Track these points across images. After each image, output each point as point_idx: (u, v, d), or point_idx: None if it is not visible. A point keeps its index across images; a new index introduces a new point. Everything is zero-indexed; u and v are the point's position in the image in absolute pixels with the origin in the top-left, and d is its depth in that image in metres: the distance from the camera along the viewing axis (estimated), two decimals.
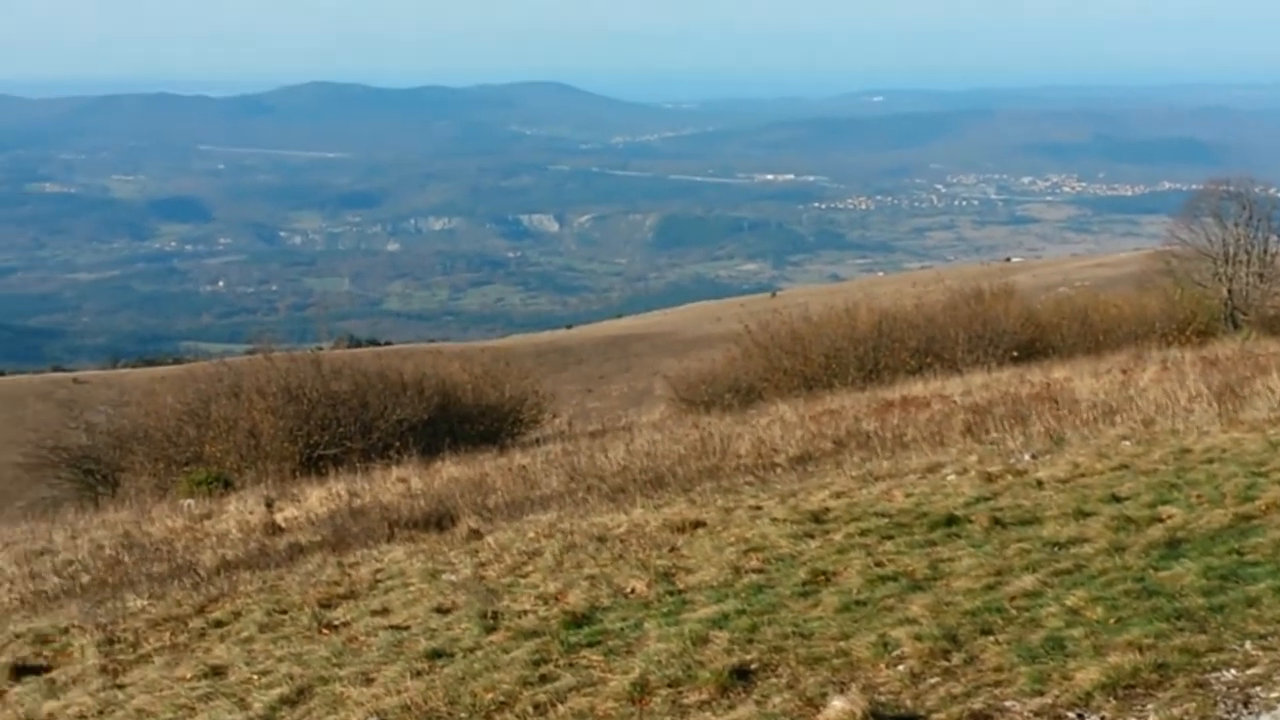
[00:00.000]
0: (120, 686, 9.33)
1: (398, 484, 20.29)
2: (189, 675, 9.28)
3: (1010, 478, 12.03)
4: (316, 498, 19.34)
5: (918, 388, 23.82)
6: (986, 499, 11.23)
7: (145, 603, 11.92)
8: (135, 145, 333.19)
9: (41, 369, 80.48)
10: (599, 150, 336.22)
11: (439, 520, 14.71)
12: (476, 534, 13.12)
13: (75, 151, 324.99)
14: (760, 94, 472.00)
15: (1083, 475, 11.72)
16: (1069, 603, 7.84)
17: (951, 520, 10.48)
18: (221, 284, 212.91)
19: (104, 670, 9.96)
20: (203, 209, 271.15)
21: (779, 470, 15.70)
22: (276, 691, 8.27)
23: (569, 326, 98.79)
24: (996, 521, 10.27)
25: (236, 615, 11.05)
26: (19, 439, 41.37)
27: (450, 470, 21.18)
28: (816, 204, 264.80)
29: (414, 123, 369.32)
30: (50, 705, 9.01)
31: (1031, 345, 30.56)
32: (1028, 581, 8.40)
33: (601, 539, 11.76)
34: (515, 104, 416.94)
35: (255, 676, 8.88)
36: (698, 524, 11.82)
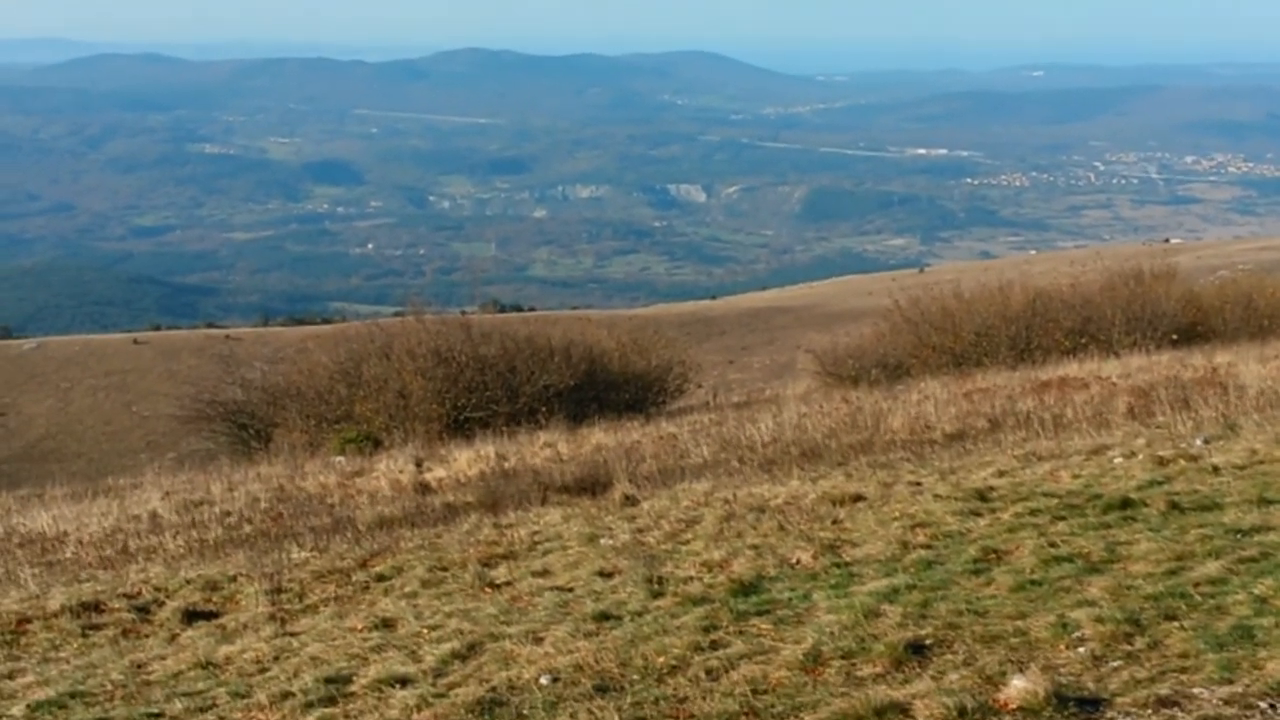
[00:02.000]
0: (291, 634, 9.47)
1: (545, 449, 20.41)
2: (359, 626, 9.38)
3: (1183, 462, 11.68)
4: (465, 459, 19.52)
5: (1073, 368, 23.31)
6: (1160, 483, 10.91)
7: (308, 554, 12.11)
8: (293, 108, 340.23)
9: (196, 325, 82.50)
10: (750, 121, 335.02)
11: (591, 486, 14.75)
12: (631, 500, 13.11)
13: (235, 113, 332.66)
14: (917, 66, 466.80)
15: (1261, 462, 11.33)
16: (1257, 591, 7.56)
17: (1126, 503, 10.20)
18: (370, 246, 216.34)
19: (273, 618, 10.12)
20: (355, 172, 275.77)
21: (934, 447, 15.49)
22: (447, 646, 8.30)
23: (713, 297, 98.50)
24: (1174, 506, 9.97)
25: (399, 570, 11.17)
26: (174, 392, 42.53)
27: (598, 437, 21.26)
28: (969, 180, 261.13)
29: (566, 90, 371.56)
30: (224, 650, 9.17)
31: (1192, 329, 29.73)
32: (1211, 568, 8.12)
33: (760, 509, 11.68)
34: (668, 73, 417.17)
35: (425, 630, 8.94)
36: (857, 497, 11.68)
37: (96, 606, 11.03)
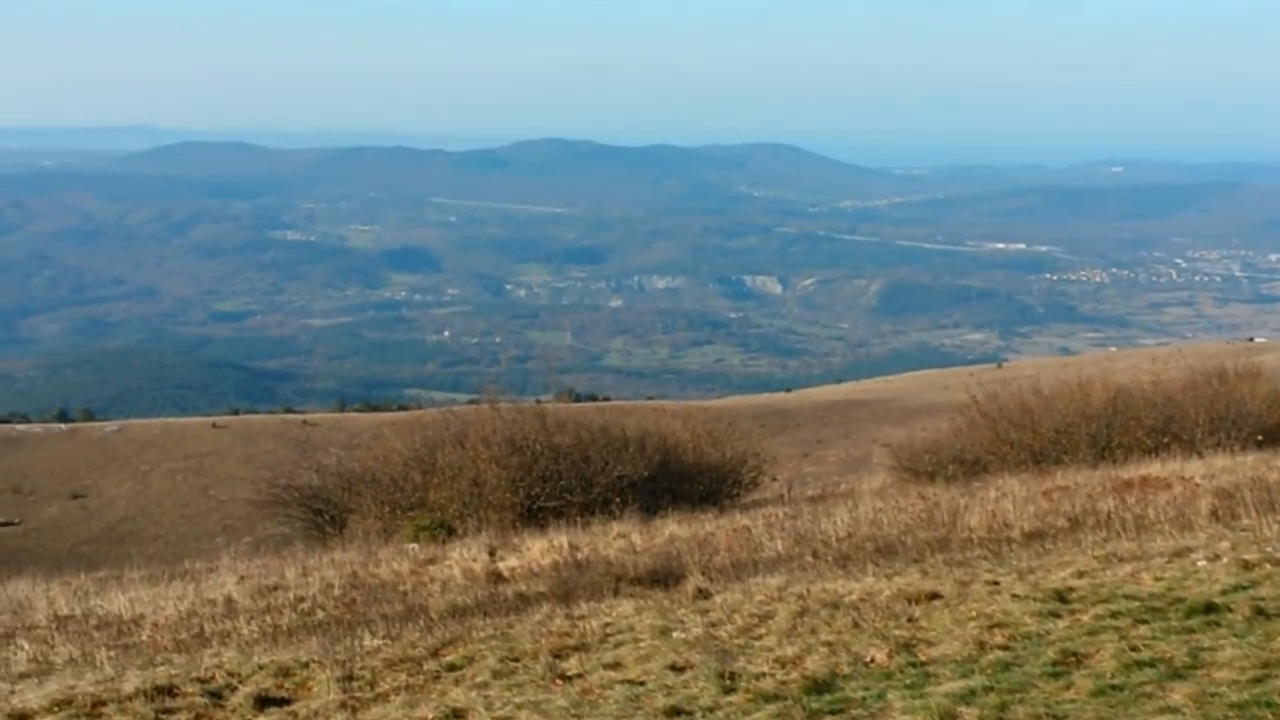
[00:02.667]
0: None
1: (618, 539, 20.34)
2: (430, 716, 9.36)
3: (1269, 566, 11.46)
4: (538, 549, 19.49)
5: (1155, 468, 22.95)
6: (1245, 588, 10.71)
7: (380, 642, 12.11)
8: (373, 196, 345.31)
9: (274, 410, 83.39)
10: (826, 214, 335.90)
11: (664, 578, 14.68)
12: (704, 593, 13.02)
13: (316, 200, 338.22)
14: (995, 161, 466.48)
15: None
16: None
17: (1210, 608, 10.03)
18: (447, 334, 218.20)
19: (344, 706, 10.11)
20: (433, 259, 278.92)
21: (1012, 545, 15.29)
22: None
23: (788, 389, 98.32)
24: (1259, 611, 9.78)
25: (470, 660, 11.14)
26: (251, 476, 42.93)
27: (672, 528, 21.17)
28: (1048, 275, 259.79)
29: (642, 180, 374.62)
30: None
31: (1278, 429, 29.23)
32: None
33: (835, 605, 11.56)
34: (744, 165, 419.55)
35: None
36: (934, 595, 11.54)
37: (170, 690, 11.07)
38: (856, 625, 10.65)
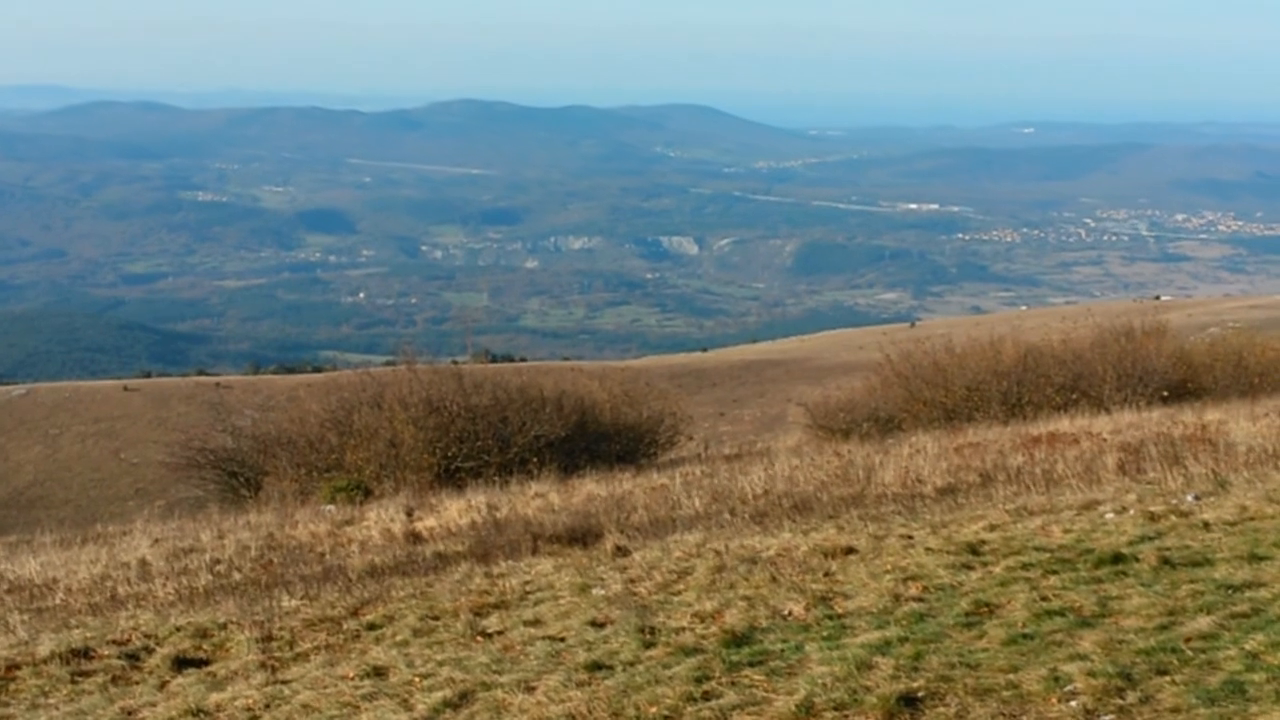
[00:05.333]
0: (282, 682, 9.46)
1: (536, 499, 20.40)
2: (350, 674, 9.38)
3: (1174, 518, 11.71)
4: (456, 509, 19.51)
5: (1064, 424, 23.33)
6: (1151, 538, 10.94)
7: (299, 603, 12.09)
8: (287, 157, 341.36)
9: (186, 373, 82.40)
10: (742, 175, 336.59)
11: (583, 536, 14.74)
12: (623, 550, 13.11)
13: (229, 161, 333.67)
14: (909, 122, 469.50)
15: (1252, 519, 11.36)
16: (1248, 646, 7.59)
17: (1118, 558, 10.24)
18: (362, 295, 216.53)
19: (264, 666, 10.10)
20: (348, 221, 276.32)
21: (926, 500, 15.50)
22: (439, 694, 8.31)
23: (704, 349, 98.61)
24: (1165, 561, 10.00)
25: (390, 619, 11.16)
26: (164, 439, 42.50)
27: (589, 487, 21.24)
28: (961, 235, 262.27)
29: (559, 141, 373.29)
30: (215, 697, 9.15)
31: (1183, 386, 29.75)
32: (1203, 623, 8.15)
33: (752, 561, 11.68)
34: (661, 126, 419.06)
35: (416, 679, 8.95)
36: (849, 550, 11.70)
37: (86, 653, 11.00)
38: (774, 580, 10.77)
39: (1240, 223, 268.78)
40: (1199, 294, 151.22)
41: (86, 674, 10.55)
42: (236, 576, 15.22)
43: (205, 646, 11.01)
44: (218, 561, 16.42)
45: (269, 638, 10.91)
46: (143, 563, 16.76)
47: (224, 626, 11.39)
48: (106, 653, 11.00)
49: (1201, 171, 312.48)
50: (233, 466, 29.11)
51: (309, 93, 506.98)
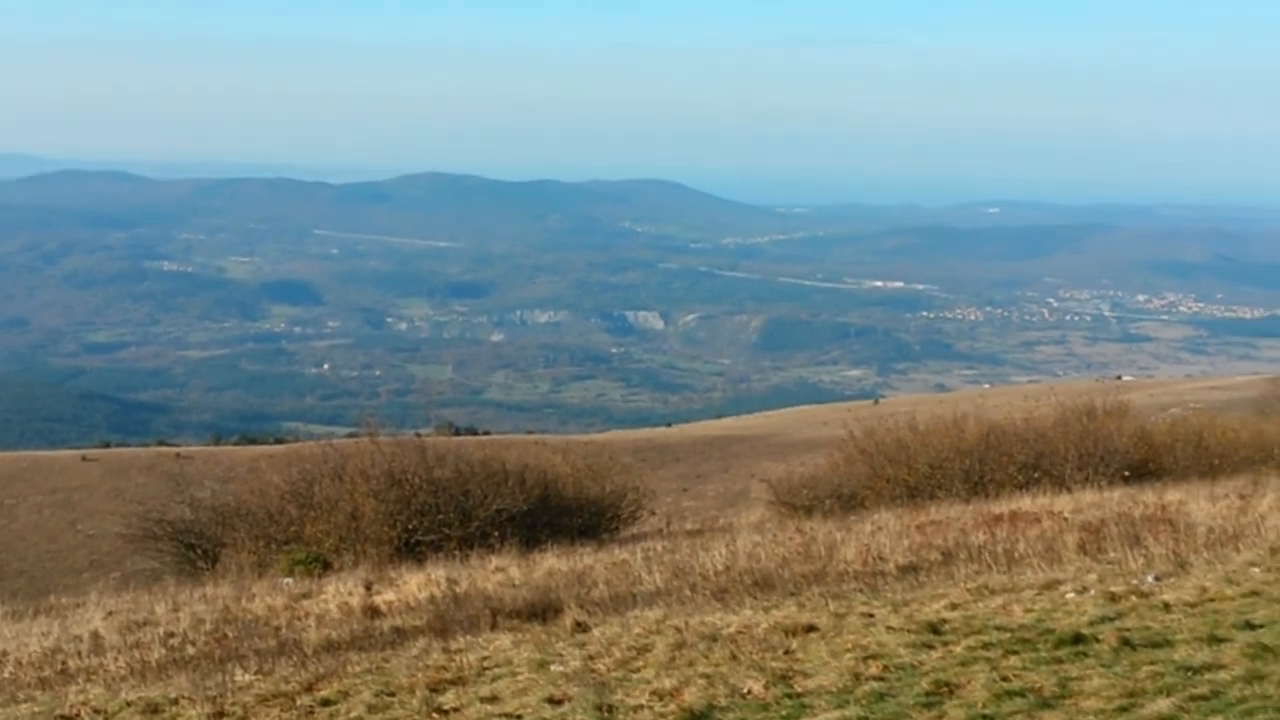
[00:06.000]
0: None
1: (497, 573, 20.25)
2: None
3: (1135, 598, 11.73)
4: (415, 583, 19.34)
5: (1026, 503, 23.38)
6: (1112, 619, 10.94)
7: (252, 677, 11.92)
8: (253, 228, 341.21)
9: (147, 443, 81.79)
10: (708, 250, 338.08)
11: (542, 611, 14.62)
12: (582, 626, 13.01)
13: (195, 231, 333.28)
14: (876, 200, 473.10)
15: (1212, 600, 11.39)
16: None
17: (1078, 638, 10.23)
18: (327, 367, 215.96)
19: None
20: (313, 292, 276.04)
21: (887, 578, 15.46)
22: None
23: (669, 424, 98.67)
24: (1125, 642, 10.00)
25: (345, 695, 11.01)
26: (121, 510, 42.08)
27: (550, 562, 21.12)
28: (925, 313, 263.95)
29: (526, 215, 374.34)
30: None
31: (1144, 465, 29.89)
32: (1163, 705, 8.14)
33: (712, 638, 11.61)
34: (628, 200, 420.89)
35: None
36: (810, 628, 11.64)
37: None
38: (734, 657, 10.70)
39: (1201, 304, 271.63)
40: (1160, 374, 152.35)
41: None
42: (190, 650, 15.01)
43: None
44: (171, 635, 16.21)
45: (221, 713, 10.74)
46: (95, 636, 16.51)
47: (175, 701, 11.21)
48: None
49: (1163, 253, 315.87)
50: (190, 538, 28.78)
51: (277, 164, 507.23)
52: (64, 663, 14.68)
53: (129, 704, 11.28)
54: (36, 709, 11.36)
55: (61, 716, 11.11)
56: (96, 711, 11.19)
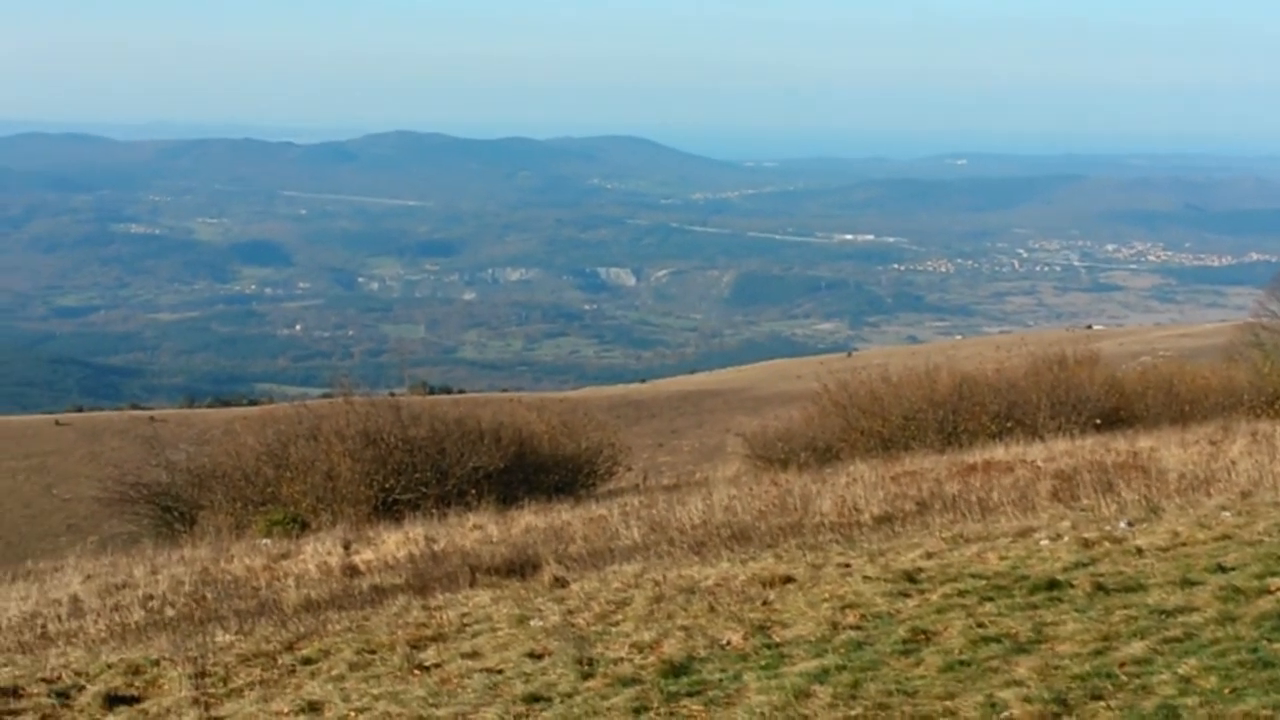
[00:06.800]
0: (216, 719, 9.34)
1: (474, 530, 20.33)
2: (285, 710, 9.29)
3: (1108, 544, 11.84)
4: (393, 542, 19.41)
5: (999, 452, 23.55)
6: (1085, 564, 11.05)
7: (233, 638, 11.96)
8: (220, 189, 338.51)
9: (120, 406, 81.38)
10: (679, 206, 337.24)
11: (521, 567, 14.69)
12: (561, 582, 13.08)
13: (161, 193, 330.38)
14: (844, 154, 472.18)
15: (1184, 544, 11.51)
16: (1181, 671, 7.68)
17: (1053, 584, 10.34)
18: (299, 328, 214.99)
19: (196, 702, 9.98)
20: (283, 253, 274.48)
21: (863, 529, 15.57)
22: None
23: (642, 380, 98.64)
24: (1099, 587, 10.10)
25: (326, 653, 11.06)
26: (96, 474, 41.86)
27: (528, 519, 21.20)
28: (896, 265, 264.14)
29: (495, 173, 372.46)
30: None
31: (1115, 413, 30.11)
32: (1136, 648, 8.24)
33: (690, 590, 11.69)
34: (597, 157, 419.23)
35: (352, 713, 8.88)
36: (787, 579, 11.73)
37: (15, 692, 10.82)
38: (712, 609, 10.78)
39: (1169, 253, 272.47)
40: (1130, 323, 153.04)
41: (16, 713, 10.38)
42: (170, 612, 15.05)
43: (137, 683, 10.85)
44: (151, 597, 16.24)
45: (202, 674, 10.77)
46: (74, 599, 16.54)
47: (156, 663, 11.25)
48: (36, 691, 10.83)
49: (1131, 203, 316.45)
50: (167, 501, 28.75)
51: (241, 124, 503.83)
52: (44, 626, 14.70)
53: (110, 666, 11.31)
54: (18, 672, 11.37)
55: (43, 679, 11.12)
56: (78, 674, 11.22)
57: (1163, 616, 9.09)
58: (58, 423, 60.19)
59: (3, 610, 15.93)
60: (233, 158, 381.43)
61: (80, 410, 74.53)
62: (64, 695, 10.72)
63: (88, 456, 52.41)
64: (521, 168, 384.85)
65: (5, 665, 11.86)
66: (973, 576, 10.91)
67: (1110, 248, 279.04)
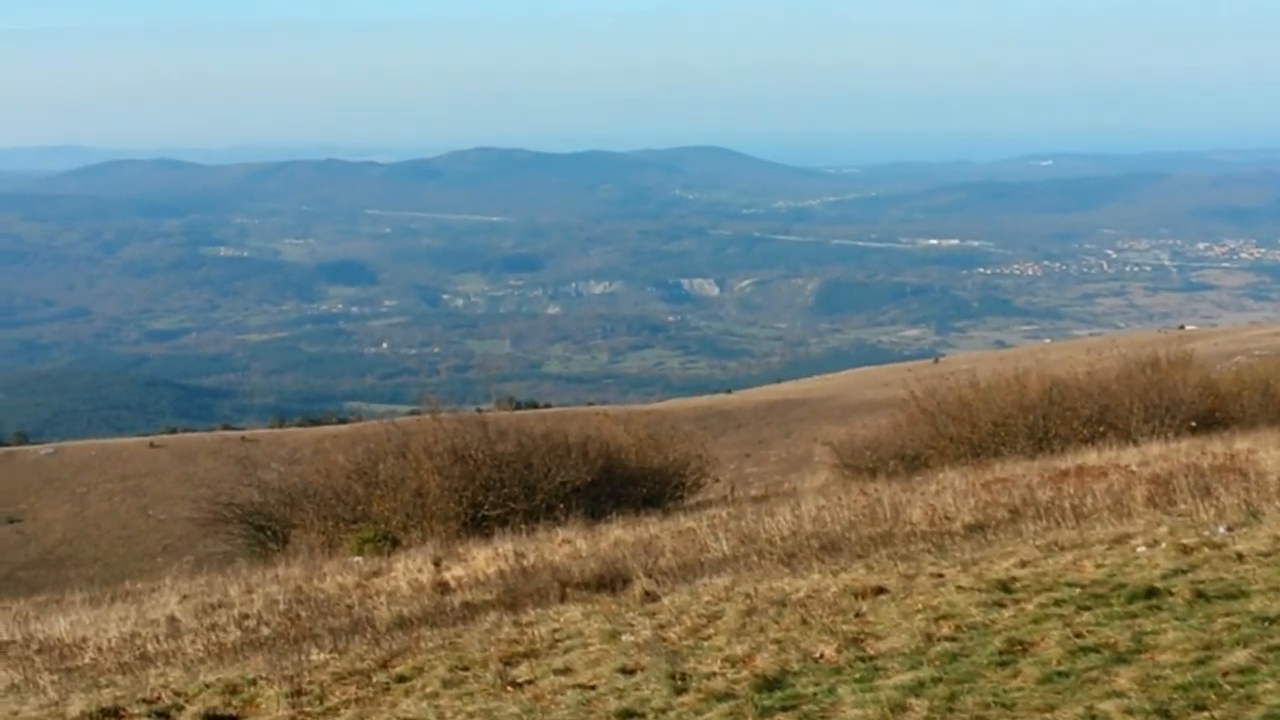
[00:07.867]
0: None
1: (563, 545, 20.34)
2: None
3: (1207, 550, 11.61)
4: (483, 557, 19.46)
5: (1092, 457, 23.21)
6: (1184, 571, 10.84)
7: (328, 656, 12.04)
8: (306, 210, 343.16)
9: (212, 427, 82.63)
10: (761, 215, 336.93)
11: (610, 582, 14.67)
12: (651, 596, 13.03)
13: (249, 216, 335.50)
14: (925, 158, 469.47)
15: None
16: None
17: (1151, 592, 10.15)
18: (385, 345, 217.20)
19: None
20: (369, 272, 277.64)
21: (955, 538, 15.40)
22: None
23: (728, 391, 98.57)
24: (1199, 594, 9.91)
25: (419, 671, 11.10)
26: (190, 495, 42.55)
27: (616, 532, 21.18)
28: (981, 269, 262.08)
29: (577, 187, 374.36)
30: None
31: (1210, 415, 29.59)
32: (1240, 656, 8.06)
33: (782, 603, 11.60)
34: (678, 168, 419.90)
35: None
36: (879, 590, 11.61)
37: (116, 712, 10.96)
38: (804, 622, 10.70)
39: (1263, 250, 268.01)
40: (1224, 322, 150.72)
41: None
42: (265, 631, 15.20)
43: (235, 703, 10.96)
44: (246, 616, 16.40)
45: (299, 692, 10.86)
46: (171, 619, 16.74)
47: (253, 682, 11.35)
48: (136, 711, 10.96)
49: (1221, 199, 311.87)
50: (260, 520, 29.08)
51: (325, 145, 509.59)
52: (143, 647, 14.88)
53: (208, 686, 11.42)
54: (119, 693, 11.52)
55: (143, 700, 11.26)
56: (177, 694, 11.34)
57: (1266, 624, 8.89)
58: (152, 445, 61.19)
59: (103, 631, 16.15)
60: (317, 178, 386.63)
61: (174, 432, 75.78)
62: (164, 715, 10.84)
63: (182, 477, 53.24)
64: (603, 181, 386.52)
65: (106, 686, 12.02)
66: (1069, 585, 10.75)
67: (1201, 246, 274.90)
